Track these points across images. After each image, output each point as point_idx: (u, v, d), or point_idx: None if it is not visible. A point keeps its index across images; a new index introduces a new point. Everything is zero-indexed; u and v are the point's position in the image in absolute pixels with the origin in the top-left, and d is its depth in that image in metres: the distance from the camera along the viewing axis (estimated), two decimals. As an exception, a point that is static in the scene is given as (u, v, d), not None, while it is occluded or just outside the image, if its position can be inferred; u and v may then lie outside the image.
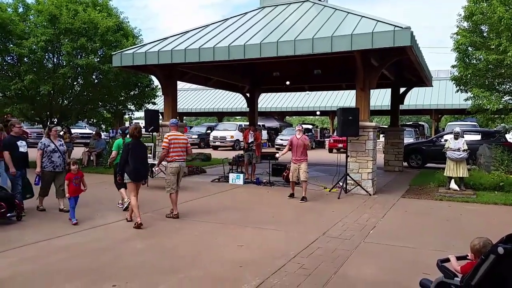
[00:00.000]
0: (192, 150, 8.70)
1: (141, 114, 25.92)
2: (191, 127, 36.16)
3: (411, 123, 35.78)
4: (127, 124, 40.35)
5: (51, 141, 8.23)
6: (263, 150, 14.66)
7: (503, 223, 7.88)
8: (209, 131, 31.81)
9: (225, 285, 4.69)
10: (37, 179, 8.08)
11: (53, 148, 8.17)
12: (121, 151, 7.90)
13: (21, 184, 7.94)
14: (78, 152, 17.64)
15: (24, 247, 5.98)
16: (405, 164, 17.17)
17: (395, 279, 4.94)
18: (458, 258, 3.59)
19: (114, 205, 8.96)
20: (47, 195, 8.36)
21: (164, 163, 8.98)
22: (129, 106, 19.11)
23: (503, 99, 13.51)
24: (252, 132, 13.17)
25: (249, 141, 13.06)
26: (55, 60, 16.02)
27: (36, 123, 18.08)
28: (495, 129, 17.49)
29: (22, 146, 8.03)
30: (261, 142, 13.60)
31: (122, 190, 8.34)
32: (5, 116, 15.37)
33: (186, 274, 4.98)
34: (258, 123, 20.86)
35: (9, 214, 7.34)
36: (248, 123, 20.00)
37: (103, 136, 19.55)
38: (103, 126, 19.05)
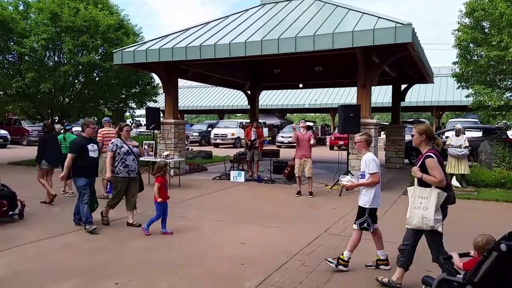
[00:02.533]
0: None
1: (142, 112, 25.96)
2: (192, 125, 36.16)
3: (412, 120, 35.74)
4: (128, 121, 40.39)
5: (123, 142, 7.02)
6: (264, 148, 14.63)
7: (505, 220, 7.89)
8: (210, 129, 31.81)
9: (227, 283, 4.69)
10: (108, 186, 6.94)
11: (127, 150, 6.94)
12: (61, 145, 9.68)
13: (89, 194, 6.85)
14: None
15: (26, 245, 5.98)
16: (406, 161, 17.15)
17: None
18: (461, 255, 3.59)
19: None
20: (116, 205, 7.13)
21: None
22: (130, 104, 19.12)
23: (505, 96, 13.49)
24: (254, 129, 13.16)
25: (252, 138, 13.04)
26: (56, 58, 16.03)
27: (37, 121, 18.08)
28: (496, 125, 17.45)
29: (92, 150, 6.92)
30: (263, 140, 13.59)
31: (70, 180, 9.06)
32: (6, 114, 15.43)
33: (188, 272, 4.99)
34: (259, 121, 20.86)
35: (11, 212, 7.34)
36: (249, 120, 19.99)
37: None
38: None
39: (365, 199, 5.00)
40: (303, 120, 11.29)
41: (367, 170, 4.97)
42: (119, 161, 6.87)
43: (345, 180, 5.27)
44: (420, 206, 4.23)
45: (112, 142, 6.99)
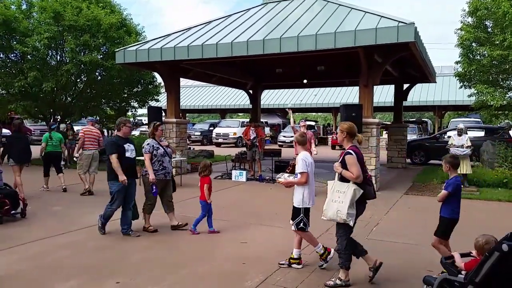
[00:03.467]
0: (103, 142, 10.24)
1: (144, 111, 25.96)
2: (193, 124, 36.16)
3: (414, 119, 35.66)
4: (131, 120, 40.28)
5: (158, 143, 6.71)
6: (266, 147, 14.62)
7: (507, 220, 7.87)
8: (212, 128, 31.82)
9: (228, 282, 4.70)
10: (154, 188, 6.52)
11: (163, 151, 6.67)
12: (48, 143, 10.27)
13: (122, 200, 6.49)
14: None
15: (28, 244, 6.00)
16: (408, 160, 17.13)
17: (398, 276, 4.93)
18: (462, 255, 3.59)
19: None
20: (152, 209, 6.82)
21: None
22: (132, 103, 19.14)
23: (507, 95, 13.45)
24: (253, 129, 13.15)
25: (251, 137, 13.04)
26: (58, 57, 16.06)
27: (40, 120, 18.12)
28: (498, 125, 17.41)
29: (130, 150, 6.47)
30: (263, 138, 13.58)
31: (47, 178, 10.35)
32: (9, 113, 15.47)
33: (189, 271, 4.99)
34: (261, 120, 20.85)
35: (13, 212, 7.36)
36: (251, 119, 19.99)
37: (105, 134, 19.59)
38: (107, 124, 19.11)
39: (298, 198, 4.99)
40: (303, 120, 11.27)
41: (297, 169, 5.00)
42: (156, 163, 6.55)
43: (282, 177, 5.28)
44: (337, 200, 4.37)
45: (148, 143, 6.57)
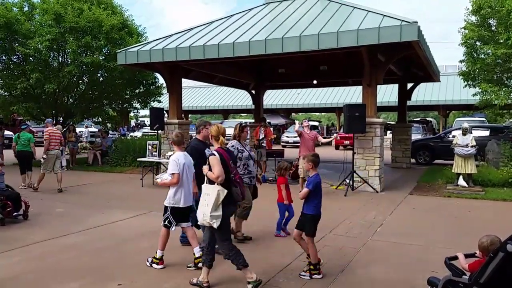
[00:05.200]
0: (64, 142, 10.81)
1: (146, 112, 25.99)
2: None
3: (418, 119, 35.52)
4: (133, 122, 40.50)
5: (242, 145, 6.20)
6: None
7: (513, 220, 7.77)
8: (214, 129, 31.71)
9: (230, 283, 4.65)
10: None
11: (248, 154, 6.15)
12: (18, 143, 10.97)
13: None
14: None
15: (30, 246, 5.99)
16: (413, 160, 17.02)
17: (403, 277, 4.87)
18: (467, 256, 3.55)
19: (120, 203, 8.95)
20: (248, 214, 6.36)
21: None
22: (134, 104, 19.14)
23: (512, 94, 13.33)
24: (262, 129, 13.12)
25: (260, 137, 12.98)
26: (60, 58, 16.05)
27: (42, 122, 18.13)
28: (503, 124, 17.28)
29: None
30: (272, 138, 13.54)
31: (24, 175, 10.84)
32: (12, 115, 15.48)
33: (191, 273, 4.92)
34: (266, 121, 20.77)
35: (15, 213, 7.36)
36: (253, 120, 19.94)
37: (110, 135, 19.58)
38: (109, 125, 19.10)
39: (167, 197, 5.08)
40: (306, 120, 11.19)
41: (168, 171, 5.11)
42: (241, 166, 6.03)
43: (159, 179, 5.34)
44: (204, 202, 4.35)
45: (232, 146, 6.03)
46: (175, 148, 5.24)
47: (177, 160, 4.99)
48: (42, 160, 10.47)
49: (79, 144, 18.27)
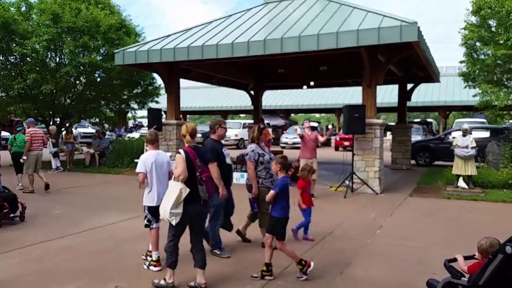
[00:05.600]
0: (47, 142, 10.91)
1: (144, 112, 25.94)
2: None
3: (418, 120, 35.46)
4: (130, 122, 40.43)
5: (262, 149, 5.96)
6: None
7: (513, 222, 7.71)
8: (213, 130, 31.66)
9: (229, 285, 4.61)
10: (254, 203, 5.81)
11: (269, 158, 5.86)
12: (14, 144, 10.92)
13: (223, 213, 5.72)
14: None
15: (27, 247, 5.95)
16: (413, 162, 16.96)
17: (402, 279, 4.82)
18: (466, 258, 3.55)
19: (117, 205, 8.88)
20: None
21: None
22: (132, 105, 19.07)
23: (512, 95, 13.29)
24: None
25: None
26: (57, 59, 15.97)
27: (39, 123, 18.05)
28: (503, 125, 17.23)
29: (227, 155, 5.65)
30: (269, 139, 13.48)
31: (19, 175, 10.77)
32: (9, 116, 15.40)
33: (189, 274, 4.84)
34: (264, 121, 20.71)
35: (12, 215, 7.31)
36: (252, 121, 19.89)
37: (107, 136, 19.51)
38: (106, 125, 19.03)
39: (144, 196, 5.21)
40: (307, 121, 11.10)
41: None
42: (263, 170, 5.78)
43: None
44: (166, 199, 4.44)
45: (252, 150, 5.81)
46: (149, 147, 5.30)
47: (145, 159, 5.10)
48: (22, 161, 10.44)
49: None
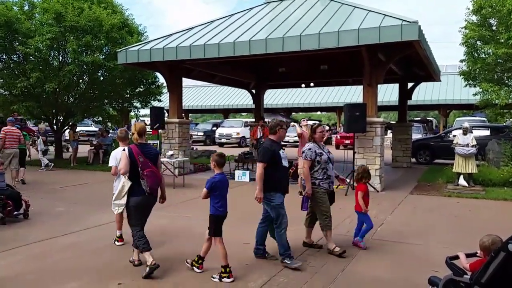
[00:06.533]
0: (23, 140, 11.44)
1: (146, 111, 25.98)
2: (196, 124, 36.17)
3: (419, 118, 35.45)
4: (133, 121, 40.47)
5: (320, 147, 5.75)
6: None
7: (513, 220, 7.77)
8: (214, 128, 31.78)
9: (231, 283, 4.64)
10: (305, 203, 5.65)
11: (327, 157, 5.67)
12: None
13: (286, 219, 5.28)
14: (83, 149, 17.70)
15: (30, 245, 5.99)
16: (413, 160, 17.01)
17: (403, 276, 4.87)
18: (468, 256, 3.55)
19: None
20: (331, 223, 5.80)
21: None
22: (134, 103, 19.10)
23: (512, 94, 13.29)
24: (260, 128, 13.12)
25: (258, 136, 12.99)
26: (60, 58, 16.02)
27: (42, 121, 18.11)
28: (504, 124, 17.25)
29: (284, 157, 5.32)
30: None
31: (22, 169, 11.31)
32: (12, 114, 15.43)
33: (191, 272, 4.93)
34: (265, 120, 20.76)
35: (16, 212, 7.36)
36: (253, 119, 19.94)
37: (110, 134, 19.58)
38: (109, 124, 19.07)
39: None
40: (305, 119, 11.16)
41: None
42: (320, 170, 5.58)
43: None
44: (115, 191, 5.08)
45: (309, 148, 5.63)
46: (120, 144, 5.95)
47: (115, 154, 5.72)
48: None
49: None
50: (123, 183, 4.90)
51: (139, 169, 4.81)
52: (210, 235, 4.80)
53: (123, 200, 4.92)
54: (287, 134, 21.63)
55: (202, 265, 4.94)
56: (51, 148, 17.44)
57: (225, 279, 4.64)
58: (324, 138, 5.71)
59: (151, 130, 12.95)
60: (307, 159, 5.58)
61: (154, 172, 4.93)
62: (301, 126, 10.28)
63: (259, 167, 5.11)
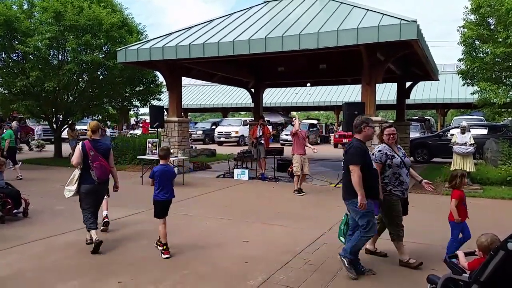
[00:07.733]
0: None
1: (146, 110, 25.99)
2: (196, 123, 36.20)
3: (417, 117, 35.53)
4: (133, 119, 40.48)
5: (392, 149, 5.15)
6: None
7: (510, 218, 7.82)
8: (214, 127, 31.81)
9: (231, 281, 4.68)
10: (378, 207, 5.00)
11: (399, 161, 5.07)
12: (11, 139, 12.11)
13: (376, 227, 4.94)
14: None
15: (31, 243, 6.00)
16: (411, 159, 17.04)
17: (403, 273, 4.91)
18: (466, 254, 3.57)
19: (118, 201, 8.96)
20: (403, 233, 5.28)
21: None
22: (134, 102, 19.13)
23: (510, 93, 13.34)
24: (260, 126, 13.17)
25: (258, 135, 13.04)
26: (60, 56, 16.03)
27: (42, 120, 18.14)
28: (502, 123, 17.32)
29: (373, 160, 4.99)
30: (269, 136, 13.60)
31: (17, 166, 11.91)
32: (11, 113, 15.47)
33: (191, 270, 4.97)
34: (264, 119, 20.80)
35: (15, 211, 7.38)
36: (253, 118, 19.98)
37: (108, 133, 19.60)
38: (109, 123, 19.08)
39: None
40: (296, 118, 11.24)
41: None
42: (391, 175, 5.03)
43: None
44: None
45: (379, 150, 5.10)
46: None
47: (80, 147, 6.03)
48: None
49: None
50: (74, 172, 5.72)
51: (89, 161, 5.59)
52: (154, 217, 5.60)
53: (74, 187, 5.70)
54: (286, 133, 21.70)
55: (168, 251, 5.44)
56: (51, 147, 17.45)
57: (163, 255, 5.38)
58: (392, 140, 5.12)
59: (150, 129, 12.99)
60: (376, 162, 5.00)
61: (103, 164, 5.71)
62: (293, 125, 10.36)
63: (355, 170, 4.54)
